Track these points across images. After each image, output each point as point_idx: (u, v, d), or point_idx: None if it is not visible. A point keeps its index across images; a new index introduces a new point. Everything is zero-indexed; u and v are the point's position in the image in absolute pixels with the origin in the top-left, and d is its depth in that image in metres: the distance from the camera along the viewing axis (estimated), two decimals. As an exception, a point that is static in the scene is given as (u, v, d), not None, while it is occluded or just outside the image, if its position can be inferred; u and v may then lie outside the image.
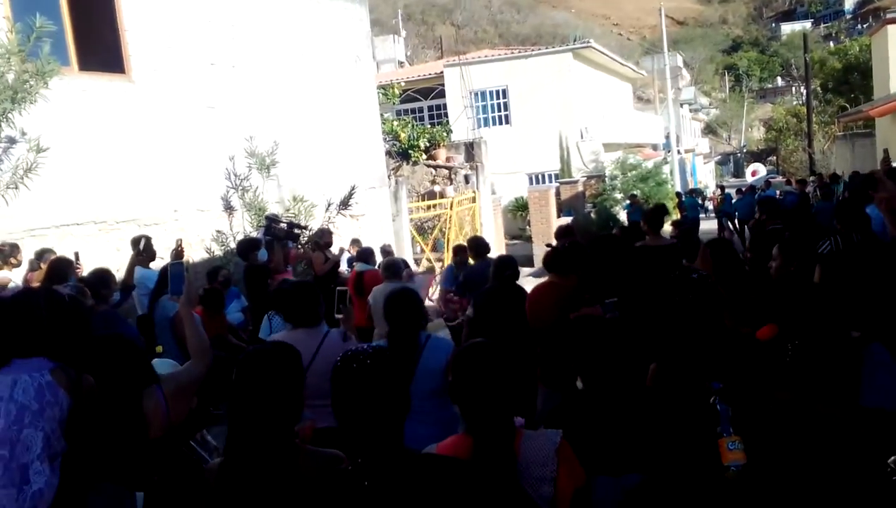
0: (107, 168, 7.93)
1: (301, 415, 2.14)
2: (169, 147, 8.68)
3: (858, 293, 2.71)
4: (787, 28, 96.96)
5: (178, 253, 6.85)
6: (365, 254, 8.80)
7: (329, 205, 9.08)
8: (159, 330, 5.98)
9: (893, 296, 2.78)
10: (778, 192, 21.36)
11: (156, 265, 6.67)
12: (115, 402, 2.50)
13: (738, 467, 2.43)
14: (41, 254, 6.40)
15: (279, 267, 7.50)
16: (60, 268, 5.65)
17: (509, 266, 5.63)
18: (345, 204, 9.29)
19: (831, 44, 58.39)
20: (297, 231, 8.12)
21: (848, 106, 27.32)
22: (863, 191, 5.50)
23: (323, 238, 8.89)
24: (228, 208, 9.16)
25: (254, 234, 8.75)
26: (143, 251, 6.46)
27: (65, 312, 2.51)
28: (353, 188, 9.26)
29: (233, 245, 9.13)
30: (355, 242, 9.87)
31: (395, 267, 7.01)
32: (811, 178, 20.06)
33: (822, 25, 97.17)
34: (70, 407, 2.34)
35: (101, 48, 8.20)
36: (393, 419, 1.79)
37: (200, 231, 9.08)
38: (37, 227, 7.21)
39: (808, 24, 74.50)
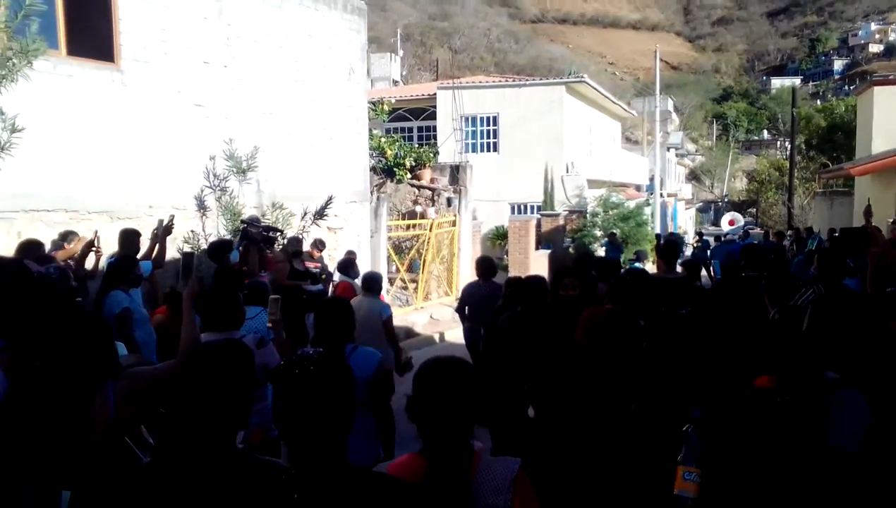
0: (84, 156, 7.82)
1: (248, 419, 2.05)
2: (151, 141, 8.59)
3: (841, 338, 2.72)
4: (777, 83, 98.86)
5: (167, 228, 6.85)
6: (344, 265, 8.76)
7: (305, 215, 9.00)
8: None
9: (872, 344, 2.80)
10: (756, 243, 21.61)
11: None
12: (64, 392, 2.40)
13: (686, 499, 2.38)
14: (66, 236, 6.69)
15: (253, 271, 7.41)
16: (31, 247, 5.66)
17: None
18: (320, 214, 9.22)
19: (818, 102, 59.47)
20: (272, 235, 8.03)
21: (830, 163, 27.76)
22: (851, 244, 5.55)
23: (292, 246, 8.82)
24: (202, 208, 9.04)
25: (227, 236, 8.65)
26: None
27: (24, 289, 2.41)
28: (330, 198, 9.19)
29: (205, 246, 9.02)
30: (318, 243, 9.76)
31: (374, 283, 7.01)
32: (789, 232, 20.32)
33: (811, 83, 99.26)
34: (6, 390, 2.23)
35: (91, 35, 8.11)
36: (336, 429, 1.72)
37: (174, 230, 8.95)
38: (5, 210, 7.08)
39: (797, 81, 75.90)
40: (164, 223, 7.11)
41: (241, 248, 7.57)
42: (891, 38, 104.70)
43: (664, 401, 3.15)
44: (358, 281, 9.30)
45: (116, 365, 2.69)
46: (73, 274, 5.95)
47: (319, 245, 9.74)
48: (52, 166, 7.45)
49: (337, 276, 8.66)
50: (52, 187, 7.50)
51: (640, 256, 19.19)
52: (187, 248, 8.78)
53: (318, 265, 9.41)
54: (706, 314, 4.79)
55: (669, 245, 7.28)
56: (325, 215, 9.30)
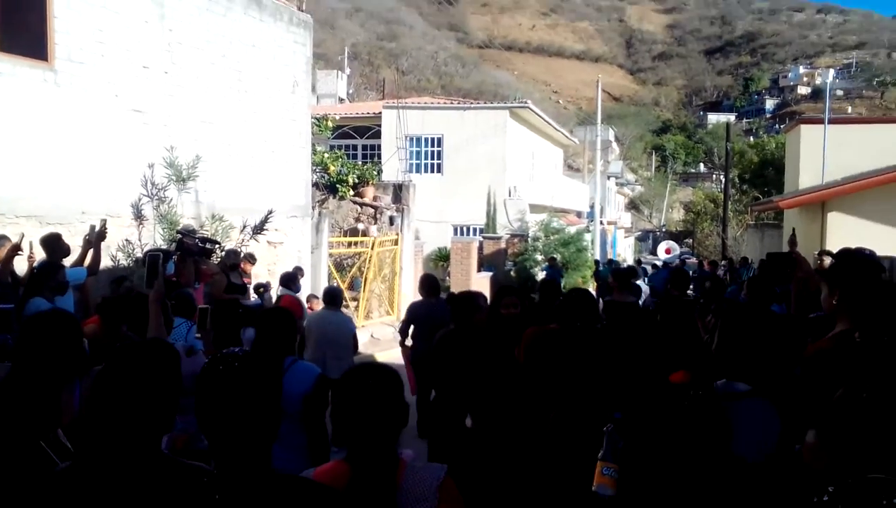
0: (13, 158, 7.49)
1: (173, 422, 1.96)
2: (85, 145, 8.30)
3: (749, 351, 2.79)
4: (713, 118, 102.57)
5: (101, 233, 6.63)
6: (287, 279, 8.64)
7: (244, 228, 8.83)
8: None
9: (785, 359, 2.88)
10: (692, 271, 22.17)
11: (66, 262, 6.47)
12: (34, 390, 2.30)
13: (604, 494, 2.42)
14: None
15: (189, 283, 7.20)
16: None
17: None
18: (259, 229, 9.07)
19: (751, 138, 61.82)
20: (209, 246, 7.84)
21: (761, 197, 28.78)
22: (777, 270, 5.76)
23: (230, 259, 8.64)
24: (139, 217, 8.78)
25: (163, 246, 8.40)
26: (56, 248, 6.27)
27: None
28: (269, 212, 9.06)
29: (140, 255, 8.74)
30: (249, 257, 9.57)
31: (335, 297, 7.08)
32: (723, 262, 20.94)
33: (745, 120, 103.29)
34: None
35: (24, 31, 7.81)
36: (259, 430, 1.67)
37: (107, 238, 8.66)
38: (-76, 210, 6.71)
39: (732, 117, 78.89)
40: (97, 228, 6.87)
41: (176, 259, 7.36)
42: (817, 82, 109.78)
43: (585, 407, 3.23)
44: (300, 296, 9.16)
45: (83, 362, 2.65)
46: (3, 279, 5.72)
47: (250, 258, 9.53)
48: (-24, 166, 7.12)
49: (279, 290, 8.52)
50: (-25, 188, 7.16)
51: (553, 266, 19.52)
52: (121, 257, 8.50)
53: (249, 279, 9.21)
54: (623, 327, 5.00)
55: (625, 270, 8.15)
56: (265, 229, 9.15)
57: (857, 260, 4.04)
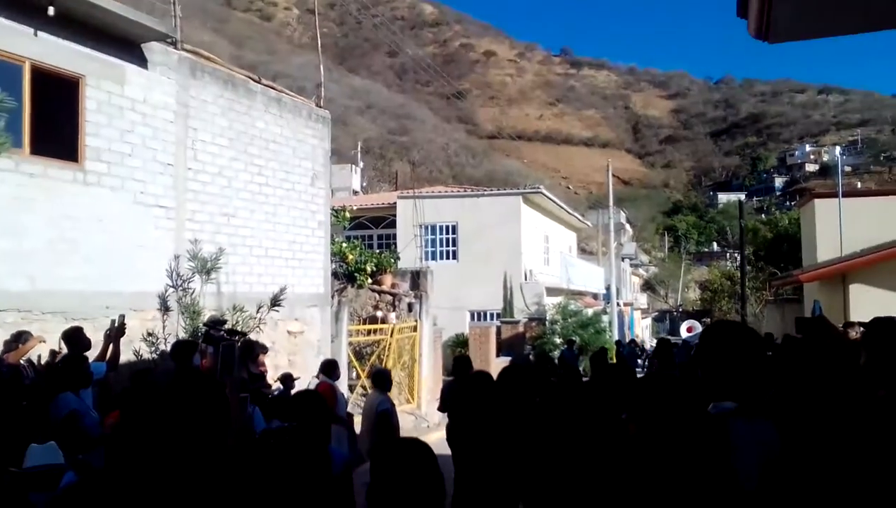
0: (41, 255, 7.66)
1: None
2: (110, 241, 8.49)
3: (730, 366, 2.67)
4: (723, 197, 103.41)
5: (120, 329, 6.70)
6: (327, 367, 8.70)
7: (260, 308, 8.92)
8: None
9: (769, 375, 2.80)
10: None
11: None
12: None
13: None
14: (18, 336, 6.61)
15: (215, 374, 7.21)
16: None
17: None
18: (274, 302, 9.16)
19: (763, 215, 62.08)
20: (236, 338, 7.87)
21: (778, 272, 28.64)
22: (810, 335, 5.71)
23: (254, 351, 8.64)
24: (165, 308, 8.87)
25: (187, 338, 8.45)
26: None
27: None
28: (284, 288, 9.15)
29: (163, 347, 8.78)
30: (261, 347, 9.57)
31: (383, 379, 7.98)
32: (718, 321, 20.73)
33: (755, 198, 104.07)
34: None
35: (57, 134, 8.13)
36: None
37: (130, 331, 8.72)
38: (-45, 308, 6.83)
39: (742, 196, 79.52)
40: (116, 323, 6.96)
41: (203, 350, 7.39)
42: (824, 158, 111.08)
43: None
44: (339, 384, 9.21)
45: None
46: (27, 373, 5.76)
47: (262, 349, 9.54)
48: (5, 264, 7.27)
49: (320, 377, 8.63)
50: (4, 286, 7.29)
51: (571, 349, 19.36)
52: (144, 349, 8.54)
53: (264, 369, 9.17)
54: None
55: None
56: (280, 304, 9.24)
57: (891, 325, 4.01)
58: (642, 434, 2.45)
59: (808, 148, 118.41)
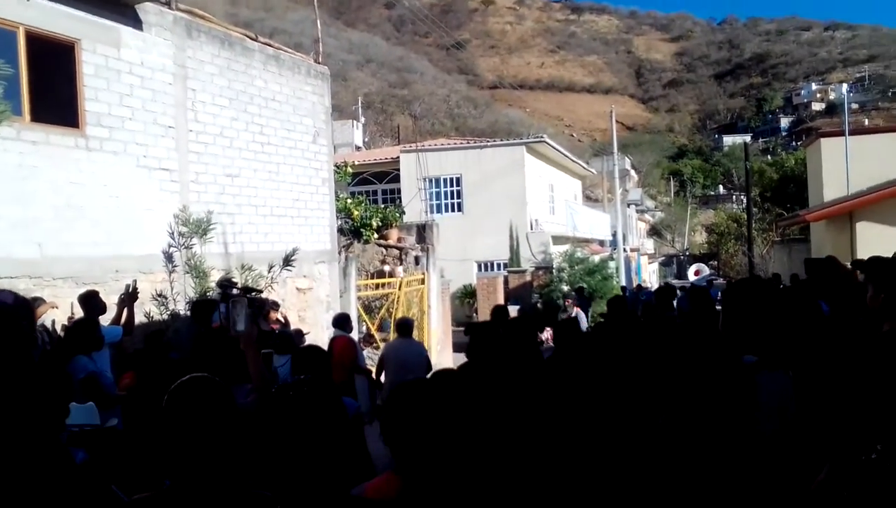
0: (48, 222, 7.71)
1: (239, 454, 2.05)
2: (116, 205, 8.52)
3: (754, 320, 2.79)
4: (728, 140, 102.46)
5: (132, 294, 6.79)
6: (339, 321, 8.83)
7: (271, 268, 9.01)
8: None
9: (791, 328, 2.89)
10: (720, 293, 21.98)
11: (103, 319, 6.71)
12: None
13: None
14: (31, 302, 6.52)
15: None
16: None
17: None
18: (287, 262, 9.24)
19: (769, 157, 61.54)
20: (254, 295, 7.95)
21: (785, 213, 28.58)
22: (819, 274, 5.70)
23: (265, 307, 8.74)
24: (170, 264, 8.98)
25: (195, 298, 8.55)
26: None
27: (8, 319, 2.40)
28: (296, 249, 9.23)
29: (174, 308, 8.90)
30: (273, 305, 9.70)
31: (408, 327, 8.35)
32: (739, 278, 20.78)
33: (761, 140, 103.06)
34: None
35: (56, 101, 8.09)
36: (327, 455, 1.75)
37: (140, 293, 8.79)
38: (-33, 277, 6.91)
39: (748, 138, 78.71)
40: (130, 288, 7.04)
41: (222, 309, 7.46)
42: (831, 97, 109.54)
43: None
44: (353, 335, 9.36)
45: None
46: (42, 338, 5.86)
47: (274, 306, 9.65)
48: (14, 232, 7.33)
49: (333, 332, 8.73)
50: (14, 253, 7.36)
51: (581, 296, 19.45)
52: (154, 311, 8.66)
53: (277, 326, 9.29)
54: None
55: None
56: (292, 264, 9.33)
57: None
58: (673, 381, 2.50)
59: (814, 87, 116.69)
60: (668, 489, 2.18)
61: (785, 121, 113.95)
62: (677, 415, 2.31)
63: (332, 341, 8.32)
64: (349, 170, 18.54)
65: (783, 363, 2.70)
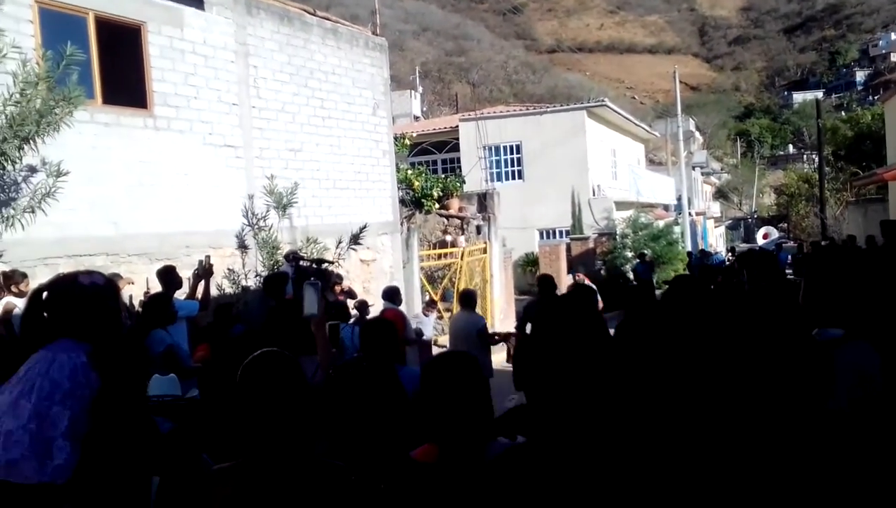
0: (122, 200, 8.00)
1: (314, 428, 2.14)
2: (184, 183, 8.77)
3: (838, 292, 2.70)
4: (798, 97, 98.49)
5: (208, 269, 7.00)
6: (389, 293, 8.93)
7: (339, 243, 9.13)
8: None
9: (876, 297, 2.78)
10: (789, 255, 21.35)
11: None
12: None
13: None
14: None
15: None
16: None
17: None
18: (355, 239, 9.34)
19: (843, 113, 58.99)
20: (323, 267, 8.08)
21: (860, 172, 27.43)
22: None
23: (330, 280, 8.89)
24: (242, 246, 9.19)
25: (265, 273, 8.76)
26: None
27: (102, 298, 2.53)
28: (364, 225, 9.33)
29: (244, 282, 9.15)
30: (337, 277, 9.88)
31: (471, 299, 8.44)
32: (824, 243, 20.04)
33: (834, 96, 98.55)
34: (98, 388, 2.33)
35: (125, 83, 8.35)
36: (392, 428, 1.82)
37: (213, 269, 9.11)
38: (50, 256, 7.24)
39: (819, 94, 75.44)
40: (204, 264, 7.23)
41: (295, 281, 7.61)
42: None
43: None
44: (403, 308, 9.45)
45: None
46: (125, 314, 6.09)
47: (338, 279, 9.81)
48: (91, 211, 7.63)
49: (383, 304, 8.81)
50: (92, 232, 7.67)
51: (644, 262, 19.15)
52: (226, 285, 8.91)
53: (342, 297, 9.45)
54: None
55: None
56: (360, 241, 9.43)
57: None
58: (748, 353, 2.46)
59: (893, 36, 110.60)
60: (735, 469, 2.17)
61: (861, 75, 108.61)
62: (746, 394, 2.27)
63: (382, 313, 8.38)
64: (407, 142, 18.56)
65: (869, 334, 2.59)
